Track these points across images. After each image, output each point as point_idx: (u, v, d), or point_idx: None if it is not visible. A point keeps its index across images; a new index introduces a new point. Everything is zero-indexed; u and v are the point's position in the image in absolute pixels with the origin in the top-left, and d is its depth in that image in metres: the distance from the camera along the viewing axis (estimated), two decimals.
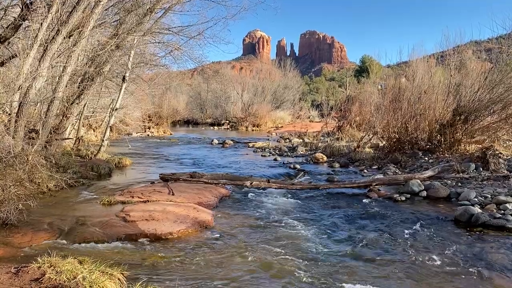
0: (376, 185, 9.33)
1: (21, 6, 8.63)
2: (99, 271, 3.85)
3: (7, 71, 9.42)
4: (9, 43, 9.37)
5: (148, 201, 7.59)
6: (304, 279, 4.46)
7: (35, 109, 10.94)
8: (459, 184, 9.17)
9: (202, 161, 14.78)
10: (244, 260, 5.01)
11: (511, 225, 6.24)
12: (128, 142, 18.66)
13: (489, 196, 7.85)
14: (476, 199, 7.77)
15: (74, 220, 6.37)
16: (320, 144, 18.41)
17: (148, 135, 28.44)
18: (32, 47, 7.72)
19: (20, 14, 8.71)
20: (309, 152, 17.15)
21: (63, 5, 8.38)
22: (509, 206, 7.05)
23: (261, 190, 9.22)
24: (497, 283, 4.41)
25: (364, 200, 8.44)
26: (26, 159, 7.15)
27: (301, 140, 22.02)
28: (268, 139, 24.16)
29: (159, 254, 5.10)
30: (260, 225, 6.58)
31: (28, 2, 8.45)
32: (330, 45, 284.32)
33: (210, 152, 18.24)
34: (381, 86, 23.01)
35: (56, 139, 10.44)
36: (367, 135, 15.93)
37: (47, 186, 8.31)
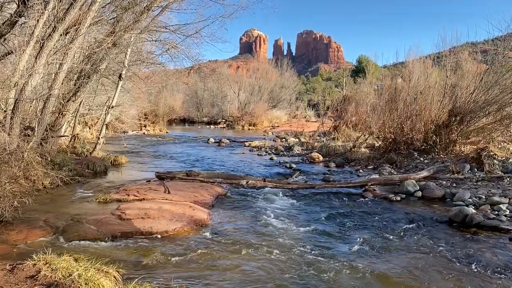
0: (371, 185, 9.37)
1: (17, 3, 8.58)
2: (94, 268, 3.84)
3: (3, 67, 9.37)
4: (5, 39, 9.32)
5: (144, 199, 7.58)
6: (297, 278, 4.48)
7: (30, 106, 10.87)
8: (454, 185, 9.23)
9: (198, 160, 14.77)
10: (240, 259, 5.02)
11: (505, 225, 6.31)
12: (124, 140, 18.61)
13: (484, 197, 7.91)
14: (470, 200, 7.83)
15: (70, 217, 6.36)
16: (316, 144, 18.46)
17: (144, 133, 28.35)
18: (28, 44, 7.68)
19: (16, 11, 8.66)
20: (305, 151, 17.18)
21: (60, 2, 8.35)
22: (503, 207, 7.12)
23: (257, 189, 9.24)
24: (491, 283, 4.45)
25: (359, 200, 8.48)
26: (21, 156, 7.13)
27: (297, 140, 22.06)
28: (265, 138, 24.18)
29: (155, 252, 5.11)
30: (256, 224, 6.60)
31: None
32: (327, 45, 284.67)
33: (206, 151, 18.23)
34: (377, 86, 23.08)
35: (52, 137, 10.40)
36: (363, 135, 15.99)
37: (42, 183, 8.29)
